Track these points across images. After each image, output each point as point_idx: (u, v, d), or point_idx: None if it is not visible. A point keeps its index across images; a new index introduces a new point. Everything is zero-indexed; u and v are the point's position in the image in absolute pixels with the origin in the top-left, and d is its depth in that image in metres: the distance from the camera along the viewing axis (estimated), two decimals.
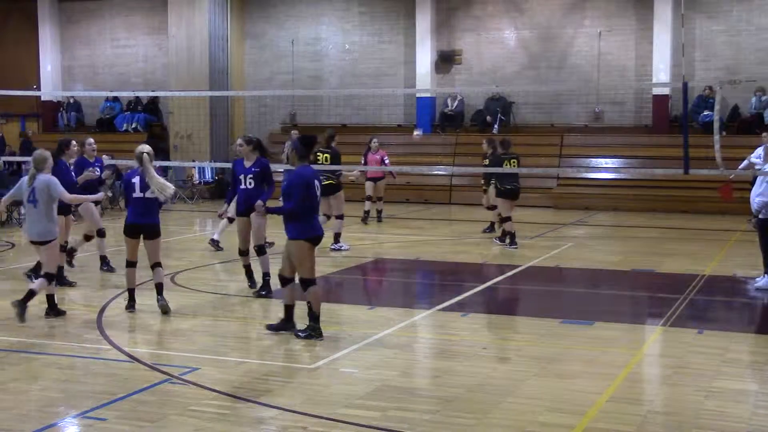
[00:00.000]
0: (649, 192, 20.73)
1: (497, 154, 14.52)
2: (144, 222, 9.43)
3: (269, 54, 26.09)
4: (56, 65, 28.01)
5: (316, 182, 8.36)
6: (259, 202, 9.15)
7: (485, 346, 8.11)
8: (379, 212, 18.05)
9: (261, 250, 10.40)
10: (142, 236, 9.51)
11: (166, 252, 13.00)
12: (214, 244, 13.99)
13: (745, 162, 15.97)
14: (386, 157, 17.90)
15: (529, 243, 15.18)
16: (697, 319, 9.45)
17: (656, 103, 22.23)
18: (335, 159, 14.09)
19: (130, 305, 9.55)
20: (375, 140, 17.88)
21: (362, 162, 17.59)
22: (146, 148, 9.53)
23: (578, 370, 7.29)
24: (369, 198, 17.78)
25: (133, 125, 25.94)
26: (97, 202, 9.88)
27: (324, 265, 13.20)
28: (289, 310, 8.50)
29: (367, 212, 17.73)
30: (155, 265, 9.58)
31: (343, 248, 14.03)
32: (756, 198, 10.72)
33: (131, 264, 9.59)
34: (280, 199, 8.79)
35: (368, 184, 17.79)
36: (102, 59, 27.71)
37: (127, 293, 9.68)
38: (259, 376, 7.09)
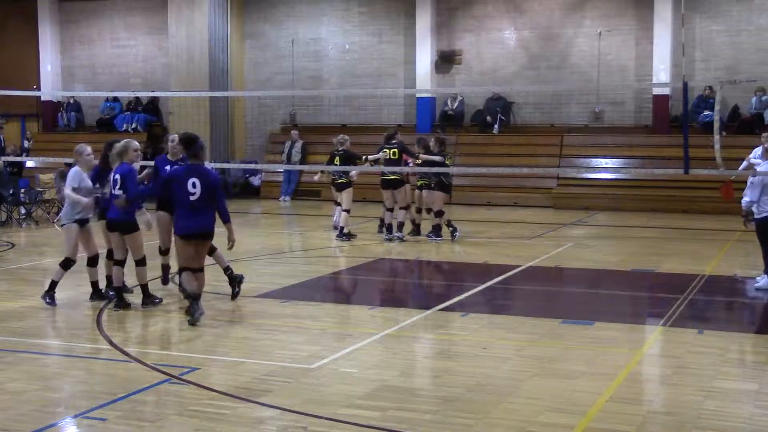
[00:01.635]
0: (649, 192, 20.73)
1: (441, 153, 14.90)
2: (118, 218, 9.46)
3: (269, 54, 26.09)
4: (56, 65, 28.01)
5: (194, 180, 8.81)
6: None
7: (485, 346, 8.11)
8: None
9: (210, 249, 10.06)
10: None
11: None
12: (342, 235, 15.03)
13: (745, 163, 15.97)
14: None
15: (529, 243, 15.18)
16: (697, 319, 9.45)
17: (656, 103, 22.23)
18: (402, 153, 15.03)
19: (117, 305, 9.59)
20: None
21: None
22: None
23: (578, 370, 7.29)
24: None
25: (133, 125, 25.92)
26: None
27: (325, 265, 13.21)
28: (191, 297, 9.00)
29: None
30: (137, 263, 9.59)
31: (397, 237, 14.98)
32: (743, 199, 10.79)
33: (117, 262, 9.63)
34: None
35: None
36: (102, 59, 27.70)
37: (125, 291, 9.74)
38: (259, 376, 7.08)
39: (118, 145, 9.60)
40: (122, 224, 9.47)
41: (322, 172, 16.51)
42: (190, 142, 9.16)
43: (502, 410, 6.30)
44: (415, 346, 8.45)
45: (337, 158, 15.18)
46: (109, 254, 9.99)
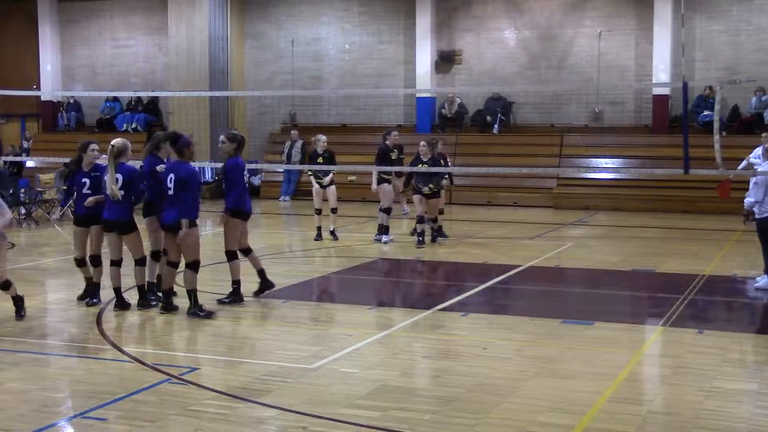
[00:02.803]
0: (649, 192, 20.72)
1: (435, 156, 14.57)
2: (115, 218, 9.43)
3: (269, 54, 26.09)
4: (56, 65, 28.02)
5: (171, 176, 9.19)
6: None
7: (485, 346, 8.11)
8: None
9: (232, 256, 10.03)
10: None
11: None
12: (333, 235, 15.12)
13: (744, 162, 15.97)
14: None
15: (529, 243, 15.18)
16: (697, 319, 9.45)
17: (656, 103, 22.23)
18: (380, 155, 14.93)
19: (117, 305, 9.58)
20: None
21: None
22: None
23: (578, 370, 7.29)
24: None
25: (133, 125, 25.94)
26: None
27: (324, 265, 13.21)
28: (162, 289, 9.60)
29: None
30: (136, 263, 9.58)
31: (382, 240, 14.80)
32: (745, 198, 10.80)
33: (114, 263, 9.60)
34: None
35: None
36: (102, 59, 27.71)
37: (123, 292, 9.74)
38: (259, 376, 7.09)
39: (117, 144, 9.49)
40: (120, 225, 9.43)
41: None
42: (174, 138, 9.52)
43: (502, 410, 6.30)
44: (415, 346, 8.45)
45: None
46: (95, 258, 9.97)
